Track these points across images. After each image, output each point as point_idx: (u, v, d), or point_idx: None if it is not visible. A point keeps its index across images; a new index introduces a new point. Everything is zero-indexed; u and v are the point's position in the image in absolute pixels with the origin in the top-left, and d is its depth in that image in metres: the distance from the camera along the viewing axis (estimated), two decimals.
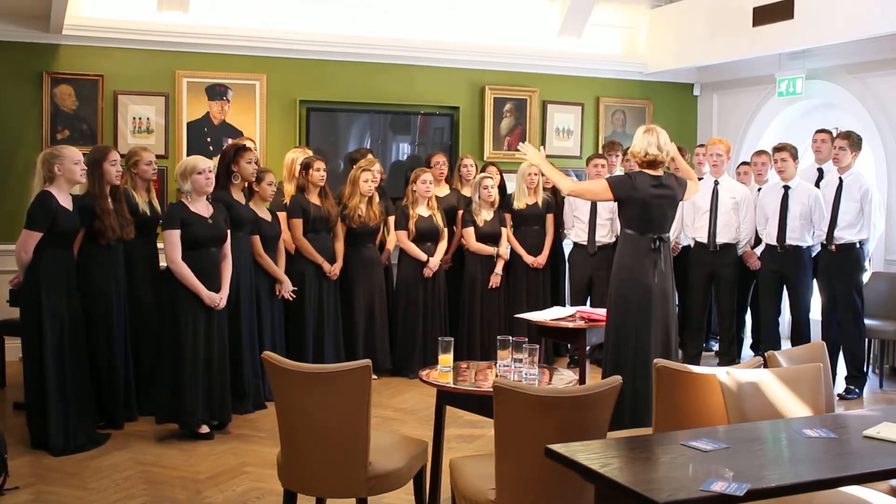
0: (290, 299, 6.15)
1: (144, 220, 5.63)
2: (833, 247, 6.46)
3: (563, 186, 5.15)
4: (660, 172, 4.87)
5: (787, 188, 6.71)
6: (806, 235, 6.65)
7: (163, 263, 5.86)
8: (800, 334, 6.65)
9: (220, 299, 5.24)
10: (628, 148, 7.12)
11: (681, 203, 7.11)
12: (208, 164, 5.34)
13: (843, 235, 6.42)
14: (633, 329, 4.81)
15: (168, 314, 5.26)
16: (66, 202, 4.96)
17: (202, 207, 5.26)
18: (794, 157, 6.74)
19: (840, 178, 6.48)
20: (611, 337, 4.93)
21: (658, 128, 4.89)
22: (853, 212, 6.39)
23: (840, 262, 6.44)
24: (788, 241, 6.66)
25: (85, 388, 5.10)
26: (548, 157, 5.25)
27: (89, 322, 5.21)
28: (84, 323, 5.14)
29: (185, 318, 5.14)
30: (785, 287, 6.84)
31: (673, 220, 5.01)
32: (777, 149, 6.81)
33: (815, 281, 6.75)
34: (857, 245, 6.43)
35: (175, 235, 5.13)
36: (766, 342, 6.89)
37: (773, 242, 6.73)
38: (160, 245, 5.89)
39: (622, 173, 5.24)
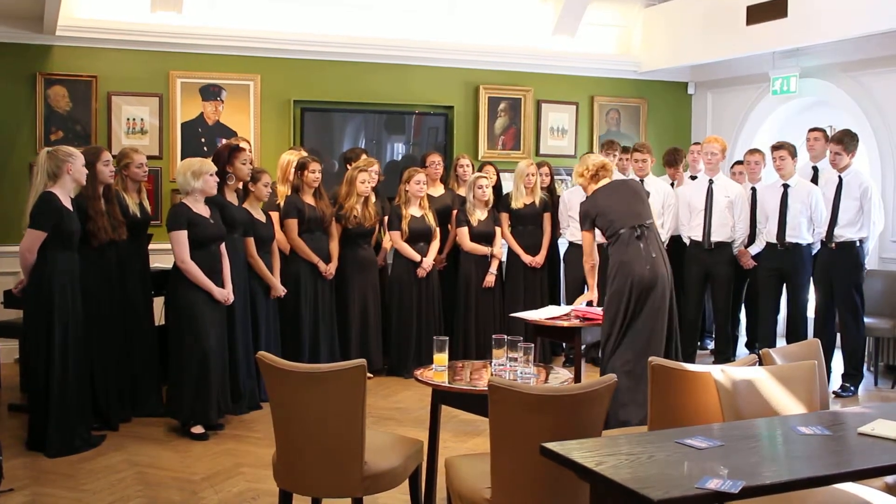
0: (273, 298, 6.12)
1: (135, 221, 5.60)
2: (833, 244, 6.47)
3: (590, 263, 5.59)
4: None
5: (786, 186, 6.71)
6: (805, 233, 6.65)
7: (154, 264, 5.87)
8: (798, 332, 6.65)
9: (229, 294, 5.38)
10: (629, 147, 7.34)
11: (675, 203, 7.21)
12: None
13: (843, 233, 6.42)
14: (640, 320, 5.08)
15: (182, 315, 5.26)
16: (68, 203, 4.91)
17: (202, 208, 5.35)
18: (793, 155, 6.73)
19: (840, 177, 6.47)
20: (612, 330, 5.14)
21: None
22: (853, 210, 6.38)
23: (840, 260, 6.44)
24: (788, 239, 6.66)
25: (83, 389, 5.08)
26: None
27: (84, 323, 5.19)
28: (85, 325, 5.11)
29: (202, 317, 5.23)
30: (784, 285, 6.85)
31: (646, 208, 5.29)
32: (776, 147, 6.80)
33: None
34: (857, 243, 6.42)
35: (183, 235, 5.19)
36: (763, 340, 6.89)
37: (773, 240, 6.74)
38: (151, 246, 5.91)
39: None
